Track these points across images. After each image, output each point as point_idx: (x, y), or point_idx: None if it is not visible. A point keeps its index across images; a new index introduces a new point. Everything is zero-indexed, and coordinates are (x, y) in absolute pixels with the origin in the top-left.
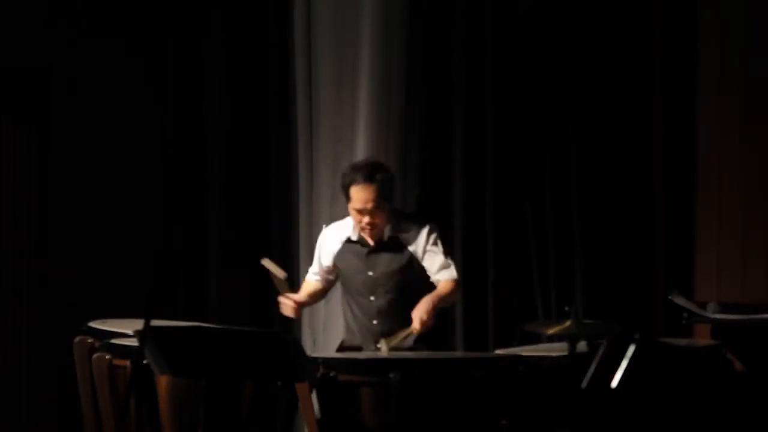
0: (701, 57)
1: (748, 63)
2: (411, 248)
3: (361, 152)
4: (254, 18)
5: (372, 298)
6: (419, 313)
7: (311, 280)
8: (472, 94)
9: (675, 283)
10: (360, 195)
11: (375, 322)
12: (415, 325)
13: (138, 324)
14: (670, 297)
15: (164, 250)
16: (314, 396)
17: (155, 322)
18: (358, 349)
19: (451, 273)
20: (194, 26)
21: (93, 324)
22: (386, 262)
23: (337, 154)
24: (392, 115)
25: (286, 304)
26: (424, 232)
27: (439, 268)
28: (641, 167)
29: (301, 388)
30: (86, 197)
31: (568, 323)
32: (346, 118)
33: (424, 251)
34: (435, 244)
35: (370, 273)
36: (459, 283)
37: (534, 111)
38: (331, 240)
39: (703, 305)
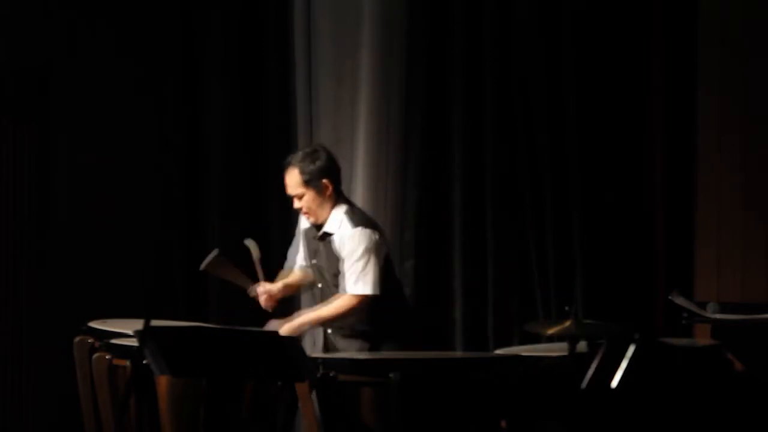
0: (701, 57)
1: (748, 63)
2: (335, 247)
3: (361, 152)
4: (254, 18)
5: (319, 285)
6: (288, 326)
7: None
8: (472, 94)
9: (675, 283)
10: (286, 180)
11: None
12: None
13: (138, 324)
14: (670, 297)
15: (164, 250)
16: (314, 396)
17: (155, 322)
18: None
19: (353, 288)
20: (194, 26)
21: (93, 324)
22: (325, 254)
23: (337, 154)
24: (392, 115)
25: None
26: (352, 237)
27: (348, 279)
28: (641, 167)
29: (301, 388)
30: (86, 197)
31: (568, 323)
32: (346, 117)
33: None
34: (354, 252)
35: (314, 261)
36: (359, 299)
37: (534, 111)
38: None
39: (703, 305)
